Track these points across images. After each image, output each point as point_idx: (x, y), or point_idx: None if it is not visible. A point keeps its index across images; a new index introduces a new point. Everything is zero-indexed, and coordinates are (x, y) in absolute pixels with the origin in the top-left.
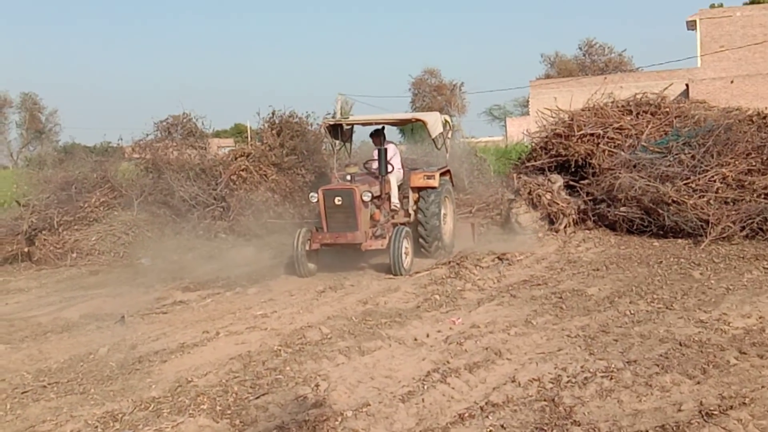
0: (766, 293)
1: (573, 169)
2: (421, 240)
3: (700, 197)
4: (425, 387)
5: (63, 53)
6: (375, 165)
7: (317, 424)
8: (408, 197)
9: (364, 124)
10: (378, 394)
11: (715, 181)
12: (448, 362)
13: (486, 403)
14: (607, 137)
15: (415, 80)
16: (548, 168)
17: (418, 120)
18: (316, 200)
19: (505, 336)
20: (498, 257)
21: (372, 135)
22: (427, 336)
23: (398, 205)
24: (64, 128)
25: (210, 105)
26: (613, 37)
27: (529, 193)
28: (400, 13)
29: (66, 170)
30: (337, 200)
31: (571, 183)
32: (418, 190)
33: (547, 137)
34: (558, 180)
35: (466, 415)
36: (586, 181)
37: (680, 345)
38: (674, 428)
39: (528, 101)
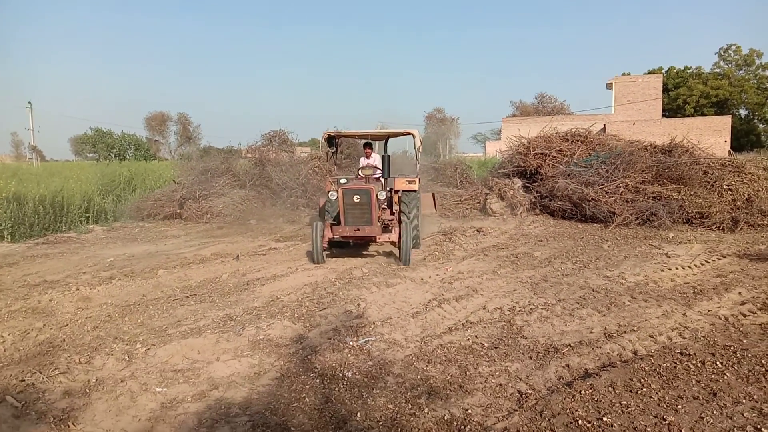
0: (650, 261)
1: (528, 175)
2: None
3: (610, 197)
4: (427, 309)
5: (207, 86)
6: (367, 171)
7: (358, 329)
8: (390, 199)
9: (360, 137)
10: (397, 312)
11: (620, 187)
12: (442, 295)
13: (466, 321)
14: (551, 156)
15: (427, 114)
16: (512, 174)
17: (409, 133)
18: (335, 197)
19: (480, 280)
20: (477, 230)
21: (365, 146)
22: (430, 277)
23: (384, 204)
24: (204, 135)
25: (296, 124)
26: (558, 90)
27: (499, 190)
28: (421, 71)
29: (204, 162)
30: (356, 198)
31: (527, 184)
32: (398, 192)
33: (512, 154)
34: (518, 182)
35: (453, 328)
36: (536, 184)
37: (593, 291)
38: (587, 343)
39: (500, 131)
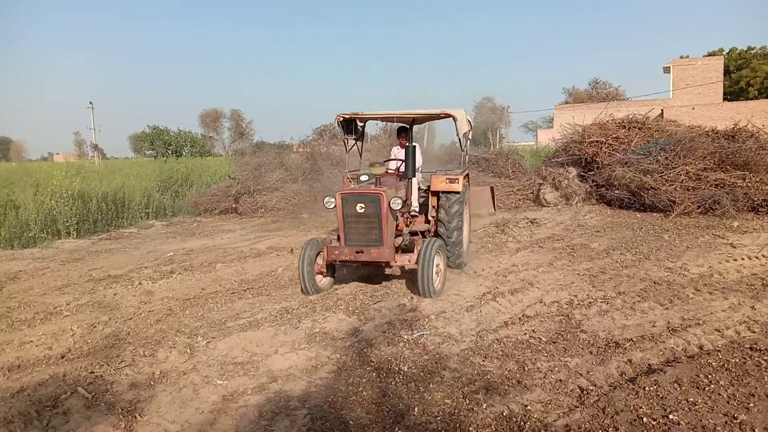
0: (714, 251)
1: (583, 164)
2: None
3: (670, 185)
4: (482, 303)
5: (259, 82)
6: (394, 164)
7: (412, 322)
8: (426, 202)
9: (383, 119)
10: (451, 305)
11: (681, 174)
12: (497, 288)
13: (522, 315)
14: (608, 143)
15: (477, 104)
16: (566, 163)
17: (447, 115)
18: (333, 206)
19: (535, 272)
20: (530, 221)
21: (399, 132)
22: (483, 270)
23: (417, 210)
24: (257, 131)
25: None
26: (612, 76)
27: (553, 179)
28: (477, 62)
29: (258, 157)
30: (360, 207)
31: (582, 173)
32: (438, 193)
33: (566, 142)
34: (573, 171)
35: (509, 322)
36: (592, 172)
37: (654, 283)
38: (650, 338)
39: (553, 118)
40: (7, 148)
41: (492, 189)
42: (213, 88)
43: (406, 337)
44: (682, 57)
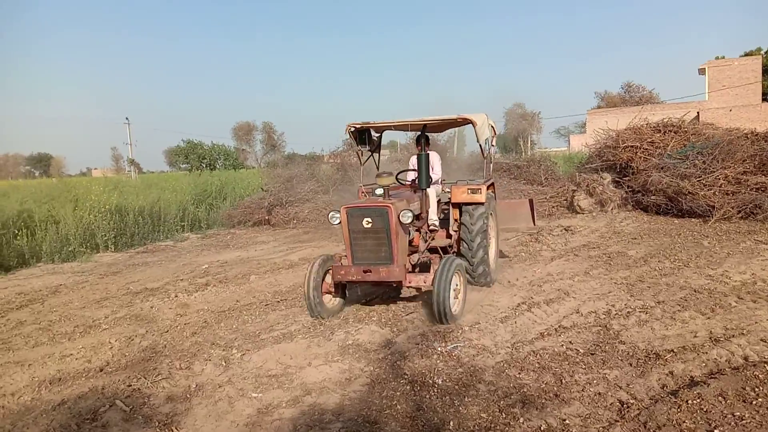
0: (757, 257)
1: (618, 169)
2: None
3: (708, 190)
4: (516, 314)
5: (290, 95)
6: (411, 176)
7: (446, 334)
8: (448, 215)
9: (396, 128)
10: (485, 316)
11: (719, 178)
12: (532, 298)
13: (559, 326)
14: (643, 148)
15: (507, 110)
16: (600, 168)
17: (466, 121)
18: (338, 222)
19: (571, 282)
20: (565, 229)
21: (418, 141)
22: (517, 280)
23: (437, 225)
24: (288, 143)
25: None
26: (645, 78)
27: (587, 186)
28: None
29: (289, 169)
30: (366, 222)
31: (617, 179)
32: (460, 205)
33: (600, 148)
34: (607, 177)
35: (545, 333)
36: (627, 178)
37: (695, 291)
38: (692, 349)
39: (585, 124)
40: (47, 164)
41: (531, 202)
42: (245, 100)
43: (439, 349)
44: (717, 58)
